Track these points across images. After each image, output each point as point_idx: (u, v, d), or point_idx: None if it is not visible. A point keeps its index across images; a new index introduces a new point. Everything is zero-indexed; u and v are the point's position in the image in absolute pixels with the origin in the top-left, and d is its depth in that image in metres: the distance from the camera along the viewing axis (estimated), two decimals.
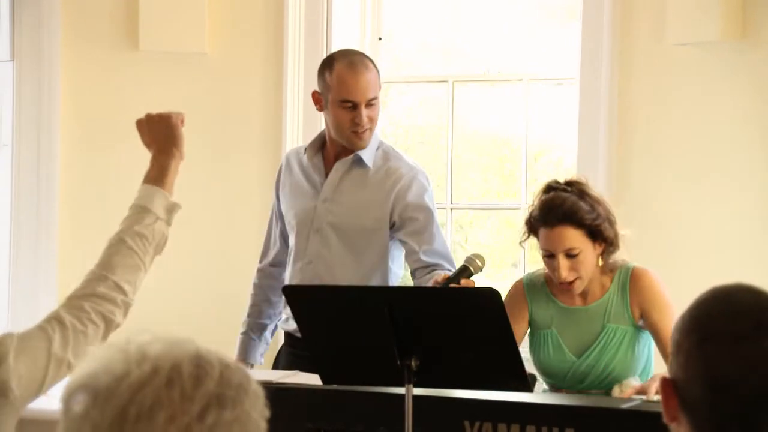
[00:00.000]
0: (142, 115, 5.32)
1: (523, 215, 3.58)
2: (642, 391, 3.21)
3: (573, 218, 3.41)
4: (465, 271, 3.31)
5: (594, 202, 3.44)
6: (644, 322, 3.46)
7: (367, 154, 3.82)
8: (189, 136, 5.17)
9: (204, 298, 5.13)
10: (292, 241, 3.92)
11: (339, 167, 3.85)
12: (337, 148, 3.85)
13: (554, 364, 3.50)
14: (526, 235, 3.52)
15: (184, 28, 5.07)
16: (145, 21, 5.07)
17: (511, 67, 5.23)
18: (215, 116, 5.15)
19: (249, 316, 4.06)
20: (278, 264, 4.06)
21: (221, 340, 4.90)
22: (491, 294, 2.93)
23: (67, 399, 1.33)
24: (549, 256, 3.44)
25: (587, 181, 3.52)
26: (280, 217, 4.02)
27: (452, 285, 3.24)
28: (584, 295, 3.51)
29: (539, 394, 3.27)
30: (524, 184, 5.09)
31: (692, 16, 4.51)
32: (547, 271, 3.51)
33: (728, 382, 1.57)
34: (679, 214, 4.58)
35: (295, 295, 3.16)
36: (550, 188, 3.49)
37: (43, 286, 5.21)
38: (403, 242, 3.79)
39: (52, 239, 5.20)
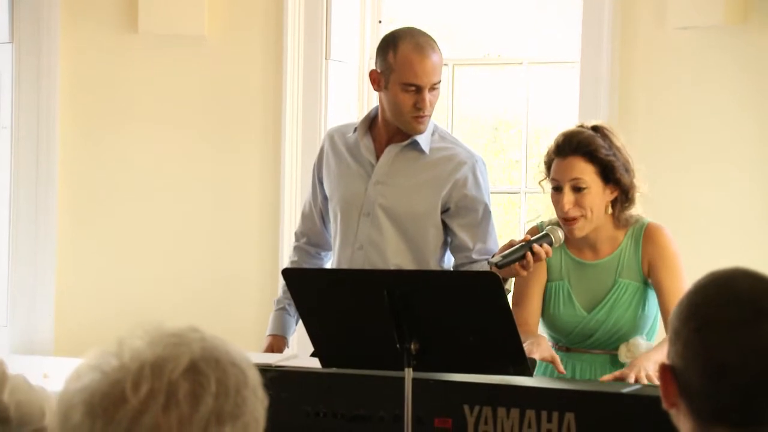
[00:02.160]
0: (141, 97, 5.35)
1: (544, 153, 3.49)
2: (621, 377, 3.18)
3: (586, 150, 3.33)
4: (546, 238, 3.31)
5: (614, 146, 3.37)
6: (651, 278, 3.40)
7: (424, 139, 3.68)
8: (188, 118, 5.21)
9: (203, 278, 5.13)
10: (337, 224, 3.77)
11: (392, 149, 3.70)
12: (391, 130, 3.70)
13: (563, 318, 3.45)
14: (545, 174, 3.44)
15: (184, 10, 5.06)
16: (145, 3, 5.06)
17: (512, 50, 5.22)
18: (214, 99, 5.14)
19: (286, 292, 3.83)
20: (316, 244, 3.92)
21: (222, 321, 4.91)
22: (491, 278, 2.92)
23: (65, 413, 1.33)
24: (556, 188, 3.37)
25: (613, 129, 3.45)
26: (322, 198, 3.85)
27: (534, 245, 3.24)
28: (596, 249, 3.45)
29: (539, 379, 3.26)
30: (524, 168, 5.08)
31: (694, 0, 4.49)
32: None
33: (727, 369, 1.57)
34: (679, 197, 4.58)
35: (294, 278, 3.15)
36: (576, 127, 3.44)
37: (42, 267, 5.21)
38: (453, 234, 3.68)
39: (51, 221, 5.20)
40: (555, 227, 3.35)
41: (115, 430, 1.29)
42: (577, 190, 3.34)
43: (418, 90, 3.58)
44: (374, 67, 3.70)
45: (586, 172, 3.34)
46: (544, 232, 3.34)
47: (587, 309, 3.44)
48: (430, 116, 3.65)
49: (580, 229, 3.38)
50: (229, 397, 1.33)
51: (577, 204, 3.35)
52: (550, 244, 3.30)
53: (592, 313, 3.43)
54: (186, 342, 1.34)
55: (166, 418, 1.29)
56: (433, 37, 3.71)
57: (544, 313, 3.51)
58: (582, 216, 3.36)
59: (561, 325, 3.47)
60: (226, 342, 1.38)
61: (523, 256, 3.25)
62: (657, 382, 3.08)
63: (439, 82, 3.63)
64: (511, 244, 3.30)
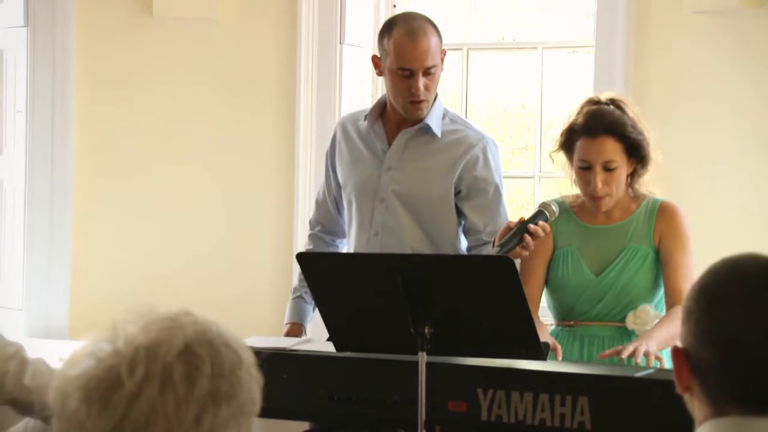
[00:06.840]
0: (155, 80, 5.35)
1: (562, 125, 3.50)
2: (616, 352, 3.18)
3: (617, 130, 3.38)
4: (541, 215, 3.32)
5: (633, 121, 3.42)
6: (660, 251, 3.43)
7: (434, 123, 3.68)
8: (202, 101, 5.21)
9: (217, 263, 5.14)
10: (352, 211, 3.77)
11: (404, 135, 3.70)
12: (400, 115, 3.70)
13: (571, 280, 3.47)
14: (559, 146, 3.47)
15: None
16: None
17: (526, 34, 5.21)
18: (228, 82, 5.15)
19: (302, 281, 3.82)
20: (331, 232, 3.92)
21: (236, 305, 4.92)
22: (505, 262, 2.92)
23: (62, 399, 1.33)
24: (585, 168, 3.40)
25: (627, 101, 3.50)
26: (336, 185, 3.85)
27: (530, 225, 3.24)
28: (609, 215, 3.49)
29: (553, 363, 3.25)
30: (539, 153, 5.08)
31: None
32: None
33: (738, 345, 1.58)
34: (695, 183, 4.57)
35: (308, 262, 3.15)
36: (592, 102, 3.46)
37: (57, 251, 5.22)
38: (465, 216, 3.68)
39: (66, 205, 5.21)
40: (547, 202, 3.38)
41: (111, 415, 1.29)
42: (608, 170, 3.38)
43: (411, 74, 3.59)
44: (375, 53, 3.73)
45: (616, 152, 3.39)
46: (537, 209, 3.36)
47: (596, 272, 3.45)
48: (428, 101, 3.64)
49: (607, 205, 3.44)
50: (224, 378, 1.33)
51: (607, 183, 3.41)
52: (546, 219, 3.32)
53: (601, 275, 3.44)
54: (179, 325, 1.35)
55: (162, 400, 1.29)
56: (435, 21, 3.69)
57: (552, 282, 3.52)
58: (609, 193, 3.40)
59: (569, 289, 3.47)
60: (218, 324, 1.38)
61: (522, 239, 3.26)
62: (664, 360, 3.12)
63: (435, 66, 3.61)
64: (508, 227, 3.31)
